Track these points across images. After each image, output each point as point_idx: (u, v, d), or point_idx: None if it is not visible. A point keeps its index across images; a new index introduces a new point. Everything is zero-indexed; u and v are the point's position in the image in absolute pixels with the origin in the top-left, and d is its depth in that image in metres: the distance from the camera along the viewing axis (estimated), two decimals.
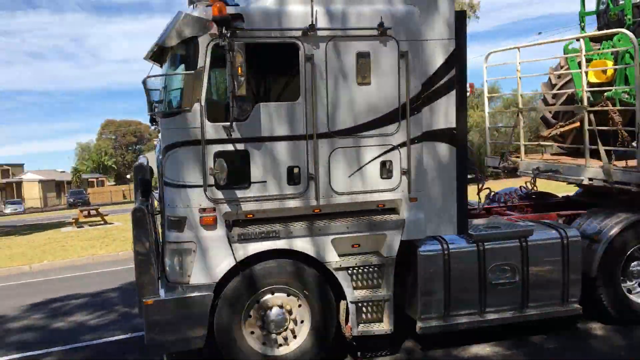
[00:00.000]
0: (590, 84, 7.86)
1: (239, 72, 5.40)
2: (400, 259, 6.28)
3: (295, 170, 5.93)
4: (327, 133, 5.96)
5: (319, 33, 5.82)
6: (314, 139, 5.91)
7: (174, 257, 5.88)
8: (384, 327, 6.22)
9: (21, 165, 79.37)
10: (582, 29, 8.76)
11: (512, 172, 8.78)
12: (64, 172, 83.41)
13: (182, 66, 5.93)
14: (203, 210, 5.78)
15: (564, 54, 8.55)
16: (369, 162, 6.09)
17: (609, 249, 6.84)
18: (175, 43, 5.64)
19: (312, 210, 6.07)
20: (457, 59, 6.27)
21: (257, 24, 5.72)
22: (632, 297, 7.08)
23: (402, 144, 6.12)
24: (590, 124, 7.34)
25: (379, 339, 6.37)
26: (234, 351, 5.97)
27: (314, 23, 5.75)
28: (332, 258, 6.06)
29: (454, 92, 6.28)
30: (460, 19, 6.29)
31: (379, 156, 6.11)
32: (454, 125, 6.32)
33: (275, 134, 5.87)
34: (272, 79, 6.68)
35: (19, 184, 69.22)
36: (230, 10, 5.56)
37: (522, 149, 8.69)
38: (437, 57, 6.23)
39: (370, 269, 6.20)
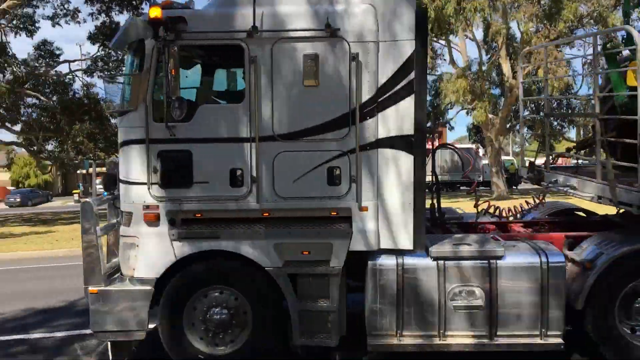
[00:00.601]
0: (630, 88, 6.85)
1: (172, 73, 5.51)
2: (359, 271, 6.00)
3: (238, 172, 5.89)
4: (272, 136, 5.84)
5: (264, 35, 5.73)
6: (255, 142, 5.84)
7: (123, 251, 6.15)
8: (327, 340, 5.98)
9: None
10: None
11: (539, 183, 7.93)
12: None
13: (135, 66, 6.16)
14: (147, 207, 5.97)
15: (604, 53, 7.50)
16: (316, 167, 5.87)
17: (602, 278, 5.92)
18: (121, 47, 5.89)
19: (261, 214, 6.00)
20: (417, 61, 5.81)
21: (201, 26, 5.78)
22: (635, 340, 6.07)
23: (352, 150, 5.83)
24: (602, 133, 6.41)
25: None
26: (176, 347, 6.09)
27: (256, 25, 5.68)
28: (273, 263, 5.94)
29: (412, 97, 5.83)
30: (420, 18, 5.81)
31: (326, 162, 5.86)
32: (412, 132, 5.86)
33: (219, 135, 5.88)
34: (218, 81, 6.68)
35: None
36: (170, 12, 5.69)
37: (544, 158, 7.79)
38: (395, 59, 5.81)
39: (316, 279, 5.98)
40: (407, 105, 5.83)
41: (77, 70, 29.82)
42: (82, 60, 30.83)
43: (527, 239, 6.50)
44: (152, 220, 5.97)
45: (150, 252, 6.00)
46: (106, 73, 24.30)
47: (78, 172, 52.69)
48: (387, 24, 5.79)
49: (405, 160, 5.89)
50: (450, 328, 5.95)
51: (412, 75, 5.80)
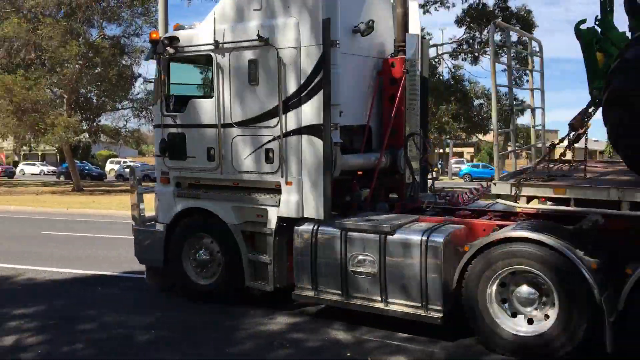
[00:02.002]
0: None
1: (161, 78, 7.80)
2: None
3: (212, 151, 7.87)
4: (230, 123, 7.66)
5: (225, 46, 7.55)
6: (219, 128, 7.72)
7: (154, 203, 8.69)
8: (266, 285, 7.59)
9: None
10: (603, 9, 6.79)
11: None
12: None
13: (155, 73, 8.53)
14: (163, 173, 8.40)
15: (577, 38, 7.03)
16: (258, 148, 7.49)
17: (476, 261, 6.18)
18: (150, 59, 8.33)
19: (232, 183, 7.89)
20: (323, 63, 6.91)
21: (190, 42, 7.88)
22: (499, 322, 6.14)
23: (283, 135, 7.26)
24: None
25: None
26: (179, 271, 8.37)
27: (218, 40, 7.54)
28: (231, 221, 7.77)
29: (321, 92, 6.95)
30: (325, 27, 6.86)
31: (264, 144, 7.43)
32: (321, 121, 7.00)
33: (199, 122, 7.94)
34: (201, 81, 8.49)
35: None
36: (168, 34, 7.94)
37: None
38: (309, 62, 7.01)
39: (260, 237, 7.62)
40: (318, 99, 7.00)
41: (444, 53, 31.06)
42: (448, 44, 31.59)
43: (447, 223, 6.95)
44: (165, 183, 8.39)
45: (164, 205, 8.43)
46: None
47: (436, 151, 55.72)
48: (304, 33, 7.03)
49: (318, 145, 7.08)
50: (351, 289, 6.97)
51: (321, 74, 6.95)
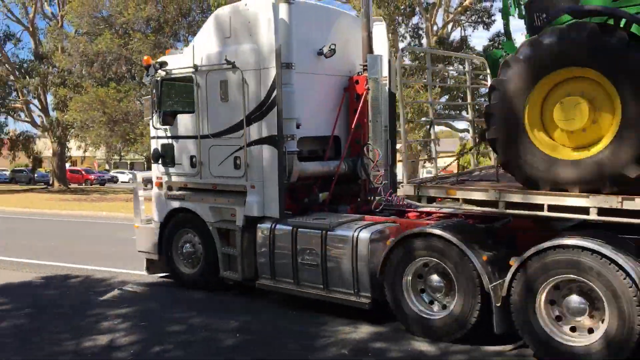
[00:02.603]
0: None
1: (153, 97, 9.17)
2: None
3: (194, 158, 9.13)
4: (207, 135, 8.90)
5: (202, 68, 8.82)
6: (199, 138, 8.97)
7: (151, 204, 10.04)
8: (235, 275, 8.76)
9: None
10: (506, 32, 7.41)
11: None
12: None
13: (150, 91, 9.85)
14: (157, 178, 9.74)
15: (485, 58, 7.79)
16: (228, 156, 8.69)
17: (391, 253, 7.10)
18: (146, 79, 9.70)
19: (211, 186, 9.12)
20: (277, 83, 8.04)
21: (177, 64, 9.20)
22: (411, 304, 7.03)
23: (246, 145, 8.42)
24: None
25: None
26: (169, 262, 9.65)
27: (196, 63, 8.82)
28: (208, 219, 9.00)
29: (276, 108, 8.08)
30: (278, 53, 7.99)
31: (233, 152, 8.62)
32: (276, 133, 8.12)
33: (184, 134, 9.23)
34: (186, 98, 9.66)
35: None
36: (160, 59, 9.29)
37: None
38: (267, 82, 8.16)
39: (232, 233, 8.80)
40: (274, 113, 8.13)
41: None
42: None
43: (385, 222, 7.89)
44: (159, 186, 9.72)
45: (158, 205, 9.76)
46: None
47: None
48: (263, 58, 8.19)
49: (274, 154, 8.20)
50: (301, 278, 8.03)
51: (275, 92, 8.08)
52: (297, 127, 8.46)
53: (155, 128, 9.61)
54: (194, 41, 9.10)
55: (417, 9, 28.38)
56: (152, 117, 9.67)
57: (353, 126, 9.15)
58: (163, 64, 9.31)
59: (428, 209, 8.62)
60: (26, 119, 42.55)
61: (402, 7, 26.70)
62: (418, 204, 7.31)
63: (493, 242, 6.78)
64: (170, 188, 9.62)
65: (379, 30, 9.82)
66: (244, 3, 8.53)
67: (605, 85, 5.52)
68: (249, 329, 7.51)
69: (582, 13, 5.78)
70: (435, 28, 29.99)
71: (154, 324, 7.71)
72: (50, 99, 39.89)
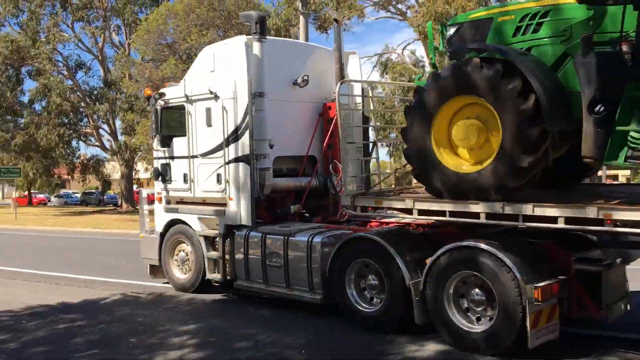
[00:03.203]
0: None
1: (152, 123, 10.64)
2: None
3: (186, 176, 10.50)
4: (196, 155, 10.27)
5: (192, 98, 10.23)
6: (189, 159, 10.35)
7: (154, 216, 11.45)
8: (218, 276, 10.01)
9: None
10: (432, 65, 8.37)
11: None
12: None
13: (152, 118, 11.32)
14: (158, 193, 11.15)
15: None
16: (212, 173, 10.01)
17: (339, 256, 8.21)
18: (148, 107, 11.19)
19: (201, 200, 10.45)
20: (249, 109, 9.34)
21: (170, 96, 10.65)
22: (354, 301, 8.10)
23: (225, 163, 9.74)
24: None
25: None
26: (166, 271, 11.01)
27: (187, 94, 10.24)
28: (197, 228, 10.32)
29: (248, 131, 9.37)
30: (250, 84, 9.31)
31: (216, 170, 9.94)
32: (249, 152, 9.40)
33: (179, 155, 10.62)
34: (180, 124, 10.99)
35: None
36: (160, 90, 10.78)
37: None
38: (241, 109, 9.48)
39: (215, 240, 10.08)
40: (248, 135, 9.43)
41: None
42: None
43: (341, 230, 9.01)
44: (159, 201, 11.13)
45: (159, 217, 11.16)
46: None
47: None
48: (239, 88, 9.52)
49: (247, 170, 9.48)
50: (269, 279, 9.22)
51: (248, 118, 9.38)
52: (271, 147, 9.72)
53: (155, 150, 11.08)
54: (187, 74, 10.56)
55: None
56: (153, 140, 11.14)
57: (325, 146, 10.36)
58: (162, 95, 10.79)
59: (387, 220, 9.71)
60: (96, 144, 44.99)
61: None
62: (373, 214, 8.43)
63: (425, 246, 7.79)
64: (168, 202, 11.01)
65: (353, 62, 11.05)
66: (224, 42, 9.96)
67: (491, 109, 6.57)
68: (316, 346, 7.54)
69: (466, 50, 6.89)
70: None
71: (221, 340, 7.83)
72: (118, 123, 42.11)
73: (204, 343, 7.70)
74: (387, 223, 9.44)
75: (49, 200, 64.91)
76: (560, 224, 6.26)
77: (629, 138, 5.79)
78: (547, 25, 6.79)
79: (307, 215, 10.45)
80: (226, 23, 29.36)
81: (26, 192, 63.05)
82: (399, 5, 31.09)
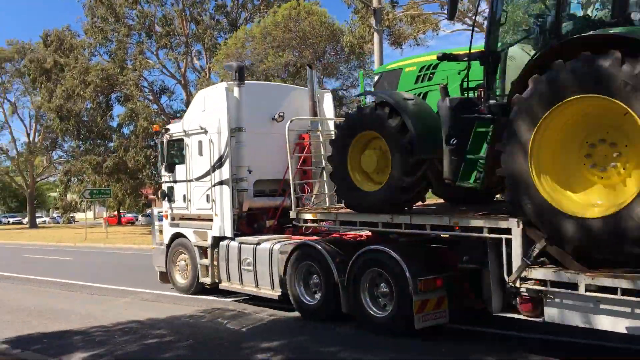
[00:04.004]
0: None
1: (158, 153, 13.00)
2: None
3: (185, 196, 12.74)
4: (191, 179, 12.51)
5: (189, 132, 12.51)
6: (187, 182, 12.60)
7: (162, 232, 13.72)
8: (207, 280, 12.12)
9: None
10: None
11: None
12: None
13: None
14: (165, 211, 13.45)
15: None
16: (203, 194, 12.21)
17: (290, 259, 10.16)
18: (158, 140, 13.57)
19: (197, 216, 12.65)
20: (228, 142, 11.52)
21: (174, 131, 12.98)
22: (301, 296, 10.02)
23: (212, 186, 11.91)
24: None
25: None
26: (171, 274, 13.23)
27: (185, 129, 12.53)
28: (193, 240, 12.51)
29: (228, 159, 11.54)
30: (229, 121, 11.49)
31: (206, 191, 12.13)
32: (229, 177, 11.54)
33: (180, 179, 12.90)
34: (181, 154, 13.20)
35: None
36: (166, 126, 13.15)
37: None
38: (224, 142, 11.66)
39: (205, 249, 12.23)
40: (229, 163, 11.59)
41: None
42: None
43: (299, 240, 10.97)
44: (166, 217, 13.41)
45: (165, 231, 13.44)
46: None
47: None
48: (222, 124, 11.73)
49: (228, 192, 11.61)
50: (244, 280, 11.27)
51: (228, 148, 11.55)
52: (249, 172, 11.84)
53: (162, 175, 13.42)
54: (186, 113, 12.89)
55: None
56: (161, 167, 13.49)
57: (296, 170, 12.41)
58: (167, 130, 13.15)
59: (342, 232, 11.59)
60: None
61: None
62: (316, 225, 10.41)
63: (352, 251, 9.65)
64: (172, 218, 13.29)
65: (327, 99, 13.10)
66: (212, 87, 12.26)
67: (384, 142, 8.48)
68: None
69: (365, 94, 8.88)
70: None
71: (304, 357, 8.02)
72: None
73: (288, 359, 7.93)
74: (343, 234, 11.39)
75: (137, 219, 68.01)
76: (427, 230, 8.10)
77: (477, 164, 7.57)
78: (436, 75, 8.70)
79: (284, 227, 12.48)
80: (301, 44, 30.33)
81: (116, 212, 65.68)
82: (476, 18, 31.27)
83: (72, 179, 49.94)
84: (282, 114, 12.29)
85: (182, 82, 43.93)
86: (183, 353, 8.40)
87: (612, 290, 5.99)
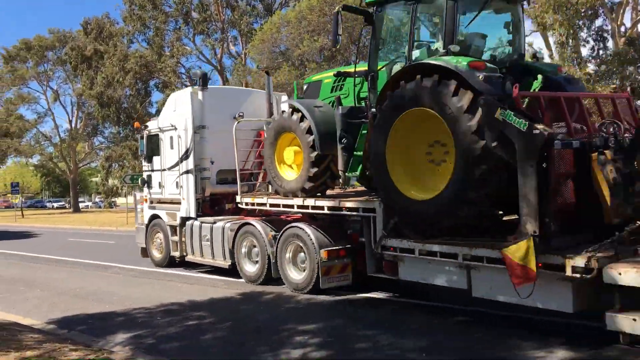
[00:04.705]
0: None
1: (140, 146, 15.29)
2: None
3: (160, 183, 15.01)
4: (165, 169, 14.76)
5: (162, 129, 14.75)
6: (161, 171, 14.86)
7: (143, 213, 16.01)
8: (177, 253, 14.40)
9: None
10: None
11: None
12: None
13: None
14: (145, 196, 15.76)
15: None
16: (173, 181, 14.47)
17: (237, 235, 12.36)
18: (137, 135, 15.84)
19: (170, 200, 14.91)
20: (192, 137, 13.73)
21: (151, 127, 15.23)
22: (245, 266, 12.22)
23: (180, 174, 14.15)
24: None
25: None
26: (149, 250, 15.54)
27: (159, 126, 14.78)
28: (166, 220, 14.78)
29: (193, 152, 13.75)
30: (192, 119, 13.69)
31: (175, 179, 14.38)
32: (193, 167, 13.76)
33: (156, 169, 15.16)
34: (157, 147, 15.40)
35: None
36: (146, 123, 15.43)
37: None
38: (189, 137, 13.87)
39: (175, 228, 14.49)
40: (193, 155, 13.81)
41: None
42: None
43: (248, 219, 13.16)
44: (146, 201, 15.72)
45: (145, 213, 15.75)
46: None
47: None
48: (188, 123, 13.94)
49: (192, 179, 13.85)
50: (203, 253, 13.51)
51: (192, 143, 13.77)
52: (212, 163, 14.03)
53: (143, 165, 15.70)
54: (161, 112, 15.13)
55: (601, 9, 25.52)
56: (142, 158, 15.77)
57: (253, 162, 14.59)
58: (146, 126, 15.42)
59: (288, 214, 13.74)
60: None
61: (583, 10, 23.83)
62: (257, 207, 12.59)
63: (281, 227, 11.80)
64: (151, 202, 15.57)
65: (283, 99, 15.23)
66: (181, 91, 14.47)
67: (299, 141, 10.63)
68: (437, 349, 7.46)
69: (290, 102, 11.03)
70: (622, 29, 26.55)
71: (341, 340, 8.01)
72: None
73: (325, 343, 7.88)
74: (289, 215, 13.57)
75: None
76: (325, 210, 10.29)
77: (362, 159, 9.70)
78: (345, 85, 10.80)
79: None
80: None
81: None
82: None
83: (113, 164, 50.49)
84: (241, 114, 14.42)
85: (219, 68, 43.29)
86: (222, 335, 8.59)
87: (435, 254, 8.14)
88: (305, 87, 11.94)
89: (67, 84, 62.30)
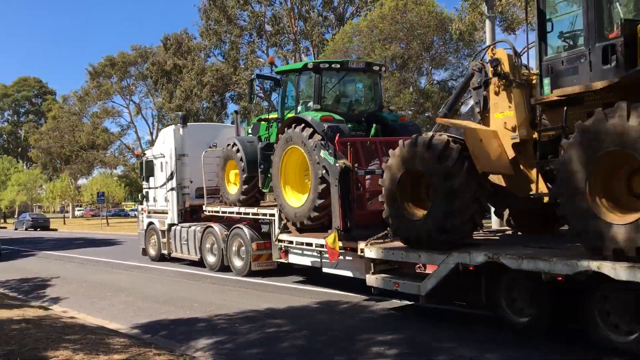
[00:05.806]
0: None
1: (139, 169, 19.84)
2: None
3: (154, 197, 19.48)
4: (157, 187, 19.25)
5: (155, 156, 19.25)
6: (155, 188, 19.33)
7: (143, 221, 20.51)
8: (165, 251, 18.80)
9: None
10: None
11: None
12: None
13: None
14: (144, 208, 20.28)
15: None
16: (163, 196, 18.94)
17: (203, 236, 16.65)
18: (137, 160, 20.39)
19: (161, 210, 19.34)
20: (175, 163, 18.15)
21: (149, 155, 19.76)
22: (209, 258, 16.48)
23: (167, 191, 18.57)
24: None
25: None
26: (147, 250, 19.98)
27: (154, 154, 19.29)
28: (158, 226, 19.22)
29: (176, 174, 18.16)
30: (176, 148, 18.11)
31: (164, 194, 18.84)
32: (176, 185, 18.16)
33: (152, 186, 19.68)
34: (152, 170, 19.78)
35: None
36: (146, 151, 19.96)
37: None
38: (174, 163, 18.29)
39: (164, 232, 18.89)
40: (176, 176, 18.23)
41: None
42: None
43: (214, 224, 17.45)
44: (145, 212, 20.23)
45: (145, 221, 20.25)
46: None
47: None
48: (172, 152, 18.38)
49: (175, 195, 18.26)
50: (182, 250, 17.87)
51: (175, 166, 18.19)
52: (191, 182, 18.40)
53: (143, 183, 20.25)
54: (155, 143, 19.66)
55: None
56: (142, 178, 20.31)
57: (217, 180, 18.84)
58: (144, 154, 19.98)
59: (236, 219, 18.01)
60: None
61: None
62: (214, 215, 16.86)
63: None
64: (148, 212, 20.07)
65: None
66: (167, 128, 19.00)
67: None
68: None
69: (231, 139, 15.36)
70: None
71: (420, 353, 7.84)
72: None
73: (403, 354, 7.77)
74: (242, 220, 17.82)
75: None
76: (251, 215, 14.50)
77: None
78: (272, 126, 14.99)
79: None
80: (408, 35, 29.40)
81: None
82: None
83: None
84: (215, 144, 18.82)
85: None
86: (300, 343, 8.59)
87: (302, 244, 12.27)
88: (252, 126, 16.28)
89: (148, 98, 64.72)
